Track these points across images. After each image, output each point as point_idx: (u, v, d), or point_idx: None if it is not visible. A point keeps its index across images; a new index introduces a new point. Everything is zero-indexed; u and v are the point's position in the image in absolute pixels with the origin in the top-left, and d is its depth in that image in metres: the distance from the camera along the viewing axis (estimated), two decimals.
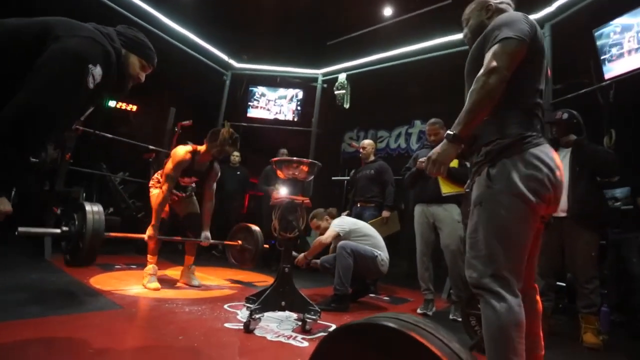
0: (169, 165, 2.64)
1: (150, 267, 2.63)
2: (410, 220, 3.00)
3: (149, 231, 2.58)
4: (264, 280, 3.40)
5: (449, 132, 1.15)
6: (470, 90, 1.14)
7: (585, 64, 4.01)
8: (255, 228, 3.17)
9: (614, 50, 3.32)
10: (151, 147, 4.43)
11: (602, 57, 3.42)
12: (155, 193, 2.74)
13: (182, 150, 2.66)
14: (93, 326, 1.67)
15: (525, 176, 1.08)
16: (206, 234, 2.84)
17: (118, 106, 7.41)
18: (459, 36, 4.27)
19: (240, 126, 5.80)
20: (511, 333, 1.04)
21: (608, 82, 3.37)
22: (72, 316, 1.78)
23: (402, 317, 0.68)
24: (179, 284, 2.84)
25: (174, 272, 3.21)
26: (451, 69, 4.76)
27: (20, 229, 1.86)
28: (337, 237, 2.73)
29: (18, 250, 3.46)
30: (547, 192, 1.09)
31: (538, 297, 1.31)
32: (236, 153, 5.18)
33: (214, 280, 3.20)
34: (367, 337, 0.69)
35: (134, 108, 7.56)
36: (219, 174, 2.95)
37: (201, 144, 2.76)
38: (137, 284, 2.60)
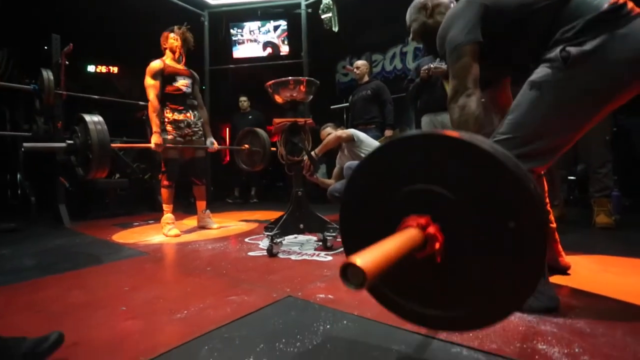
0: (146, 78, 2.69)
1: (168, 216, 2.68)
2: None
3: (154, 139, 2.59)
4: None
5: None
6: (452, 123, 1.14)
7: None
8: (260, 130, 3.17)
9: None
10: (141, 103, 4.28)
11: None
12: (162, 137, 2.67)
13: (152, 63, 2.72)
14: (123, 271, 1.74)
15: (625, 58, 0.92)
16: (210, 139, 2.89)
17: (98, 70, 7.11)
18: None
19: (228, 69, 5.55)
20: None
21: None
22: (102, 266, 1.85)
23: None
24: (198, 229, 2.91)
25: (190, 222, 3.28)
26: None
27: (26, 144, 1.90)
28: (351, 140, 2.69)
29: (37, 222, 3.54)
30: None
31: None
32: (244, 98, 5.07)
33: (231, 221, 3.28)
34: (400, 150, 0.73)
35: (115, 70, 7.24)
36: (199, 80, 2.99)
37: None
38: (158, 234, 2.67)
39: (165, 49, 2.80)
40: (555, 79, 0.98)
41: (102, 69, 7.15)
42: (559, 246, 1.39)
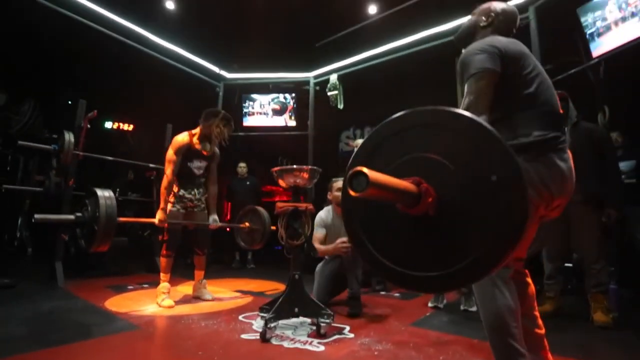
0: (169, 151, 2.77)
1: (163, 286, 2.68)
2: None
3: (159, 215, 2.64)
4: (274, 289, 3.44)
5: None
6: None
7: (575, 42, 4.03)
8: (261, 209, 3.22)
9: (600, 24, 3.33)
10: (152, 165, 4.47)
11: (588, 35, 3.44)
12: (168, 207, 2.78)
13: (179, 136, 2.82)
14: (113, 349, 1.72)
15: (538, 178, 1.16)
16: (214, 217, 2.92)
17: (115, 127, 7.53)
18: (442, 28, 4.31)
19: (237, 136, 5.85)
20: (506, 318, 1.12)
21: (597, 60, 3.39)
22: (92, 341, 1.83)
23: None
24: (192, 299, 2.88)
25: (185, 288, 3.25)
26: (439, 60, 4.84)
27: (37, 215, 1.96)
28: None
29: (31, 277, 3.51)
30: (551, 197, 1.19)
31: (529, 280, 1.39)
32: (243, 164, 5.20)
33: (226, 292, 3.24)
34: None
35: (131, 127, 7.66)
36: (219, 158, 3.03)
37: None
38: (152, 303, 2.65)
39: (200, 127, 2.83)
40: None
41: (119, 125, 7.58)
42: (549, 355, 1.39)
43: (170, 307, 2.54)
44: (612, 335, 2.15)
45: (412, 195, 0.77)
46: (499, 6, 1.45)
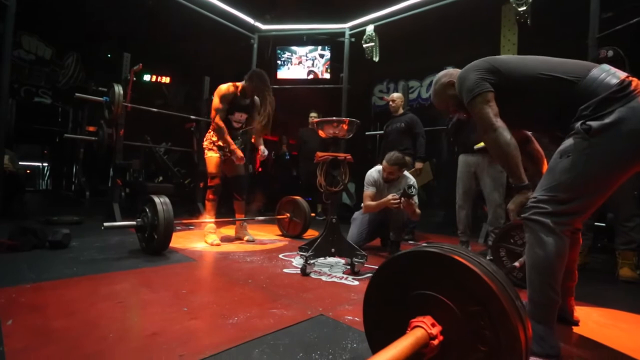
0: (216, 100, 2.93)
1: (210, 226, 2.97)
2: (444, 171, 3.07)
3: (240, 153, 2.94)
4: (310, 235, 3.70)
5: (513, 185, 1.33)
6: (490, 149, 1.34)
7: None
8: (301, 200, 3.46)
9: None
10: (192, 117, 4.69)
11: None
12: (210, 155, 3.00)
13: (224, 86, 2.96)
14: (178, 274, 2.01)
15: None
16: (261, 147, 3.19)
17: (153, 80, 7.77)
18: None
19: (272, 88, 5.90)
20: (554, 263, 1.18)
21: None
22: (160, 267, 2.14)
23: (443, 245, 0.87)
24: (234, 240, 3.18)
25: (225, 231, 3.57)
26: (477, 12, 4.55)
27: (106, 224, 2.29)
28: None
29: (92, 216, 3.94)
30: None
31: (580, 234, 1.43)
32: (314, 114, 5.01)
33: (265, 235, 3.54)
34: (418, 261, 0.88)
35: (168, 80, 7.88)
36: (259, 106, 3.11)
37: None
38: (200, 242, 2.97)
39: (245, 85, 2.98)
40: (581, 147, 1.15)
41: (156, 78, 7.80)
42: (573, 300, 1.50)
43: (217, 245, 2.84)
44: (635, 289, 2.22)
45: (423, 342, 0.79)
46: None
